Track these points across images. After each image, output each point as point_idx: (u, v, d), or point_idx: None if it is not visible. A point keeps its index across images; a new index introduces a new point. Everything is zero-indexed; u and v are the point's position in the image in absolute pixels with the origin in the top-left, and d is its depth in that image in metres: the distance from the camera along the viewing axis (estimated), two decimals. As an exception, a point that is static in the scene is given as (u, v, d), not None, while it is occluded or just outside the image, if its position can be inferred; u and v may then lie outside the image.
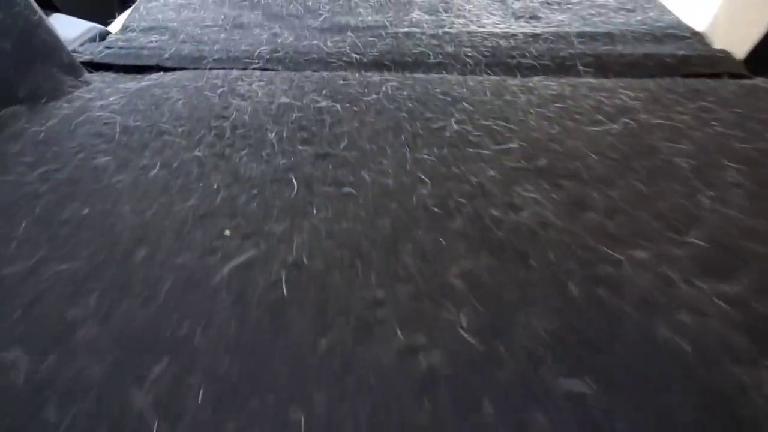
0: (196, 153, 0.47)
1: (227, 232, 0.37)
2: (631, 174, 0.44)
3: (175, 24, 0.82)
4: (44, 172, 0.45)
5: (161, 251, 0.36)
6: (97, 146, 0.49)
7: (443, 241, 0.36)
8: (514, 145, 0.49)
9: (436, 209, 0.40)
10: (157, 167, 0.45)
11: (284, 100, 0.58)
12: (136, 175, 0.44)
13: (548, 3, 0.91)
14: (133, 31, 0.81)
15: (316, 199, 0.41)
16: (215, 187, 0.42)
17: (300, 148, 0.48)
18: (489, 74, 0.70)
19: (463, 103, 0.58)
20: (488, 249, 0.36)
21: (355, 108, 0.56)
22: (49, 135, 0.51)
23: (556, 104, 0.58)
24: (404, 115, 0.55)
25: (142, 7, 0.88)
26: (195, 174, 0.44)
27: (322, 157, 0.47)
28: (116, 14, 0.99)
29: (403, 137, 0.50)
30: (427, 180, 0.43)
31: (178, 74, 0.68)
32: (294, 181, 0.43)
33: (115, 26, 0.89)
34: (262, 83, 0.64)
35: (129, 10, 0.91)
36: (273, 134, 0.50)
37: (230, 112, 0.55)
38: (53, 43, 0.64)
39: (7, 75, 0.57)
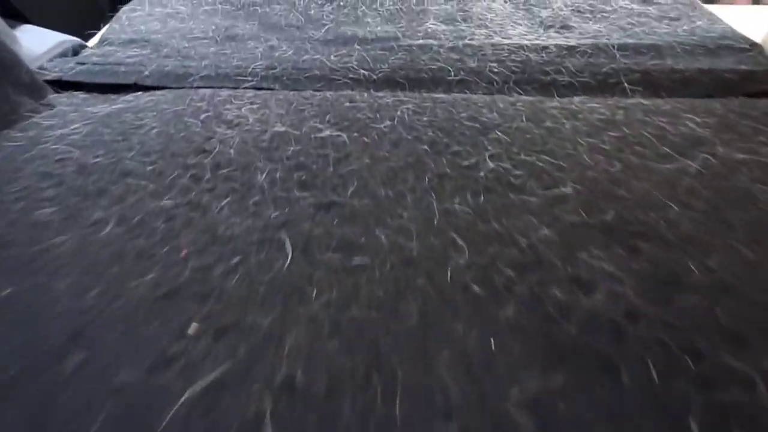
0: (165, 202, 0.37)
1: (192, 329, 0.27)
2: (729, 232, 0.34)
3: (160, 36, 0.72)
4: None
5: (99, 359, 0.26)
6: (42, 192, 0.39)
7: (493, 343, 0.26)
8: (567, 190, 0.38)
9: (477, 288, 0.30)
10: (113, 223, 0.35)
11: (279, 128, 0.48)
12: (84, 234, 0.34)
13: (579, 11, 0.81)
14: (111, 44, 0.71)
15: (317, 273, 0.31)
16: (185, 252, 0.32)
17: (297, 194, 0.38)
18: (520, 93, 0.59)
19: (496, 131, 0.48)
20: (558, 356, 0.25)
21: (365, 138, 0.46)
22: None
23: (609, 132, 0.47)
24: (425, 147, 0.45)
25: (123, 17, 0.79)
26: (160, 233, 0.34)
27: (325, 207, 0.37)
28: (102, 25, 0.90)
29: (426, 179, 0.40)
30: (462, 243, 0.33)
31: (158, 95, 0.59)
32: (287, 244, 0.33)
33: (96, 40, 0.80)
34: (254, 106, 0.54)
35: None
36: (263, 175, 0.40)
37: (213, 145, 0.45)
38: (10, 58, 0.54)
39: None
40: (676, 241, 0.33)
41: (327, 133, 0.47)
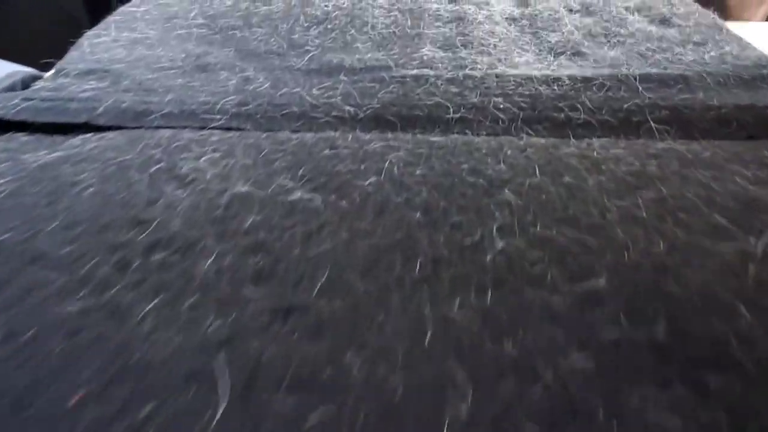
0: (71, 306, 0.28)
1: None
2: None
3: (122, 66, 0.64)
4: None
5: None
6: None
7: None
8: (600, 282, 0.30)
9: None
10: None
11: (241, 188, 0.39)
12: None
13: (592, 35, 0.73)
14: (66, 75, 0.63)
15: None
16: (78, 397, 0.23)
17: (248, 292, 0.29)
18: (530, 134, 0.51)
19: (505, 190, 0.39)
20: None
21: (343, 202, 0.38)
22: None
23: (643, 193, 0.39)
24: (418, 216, 0.36)
25: (85, 44, 0.71)
26: (55, 357, 0.25)
27: (284, 314, 0.28)
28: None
29: (418, 266, 0.31)
30: (463, 377, 0.24)
31: (108, 138, 0.50)
32: (226, 378, 0.24)
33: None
34: (216, 155, 0.45)
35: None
36: (209, 261, 0.31)
37: (154, 214, 0.36)
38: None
39: None
40: (755, 371, 0.24)
41: (298, 195, 0.39)
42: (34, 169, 0.44)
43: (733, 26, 0.77)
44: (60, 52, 0.77)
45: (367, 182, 0.40)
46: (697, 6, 0.83)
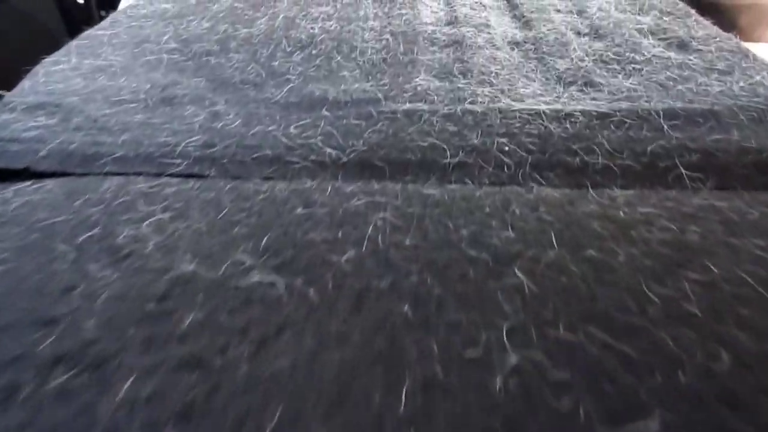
0: None
1: None
2: None
3: (76, 99, 0.57)
4: None
5: None
6: None
7: None
8: (653, 427, 0.22)
9: None
10: None
11: (186, 267, 0.32)
12: None
13: (604, 61, 0.66)
14: (13, 110, 0.56)
15: None
16: None
17: None
18: (541, 183, 0.43)
19: (516, 270, 0.31)
20: None
21: (311, 290, 0.30)
22: None
23: (687, 272, 0.31)
24: (407, 311, 0.28)
25: (41, 73, 0.63)
26: None
27: None
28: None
29: (404, 397, 0.23)
30: None
31: (46, 189, 0.43)
32: None
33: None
34: (166, 216, 0.38)
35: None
36: (124, 387, 0.23)
37: (67, 309, 0.28)
38: None
39: None
40: None
41: (256, 277, 0.31)
42: None
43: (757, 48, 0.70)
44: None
45: (345, 258, 0.32)
46: (716, 29, 0.76)
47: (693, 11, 0.83)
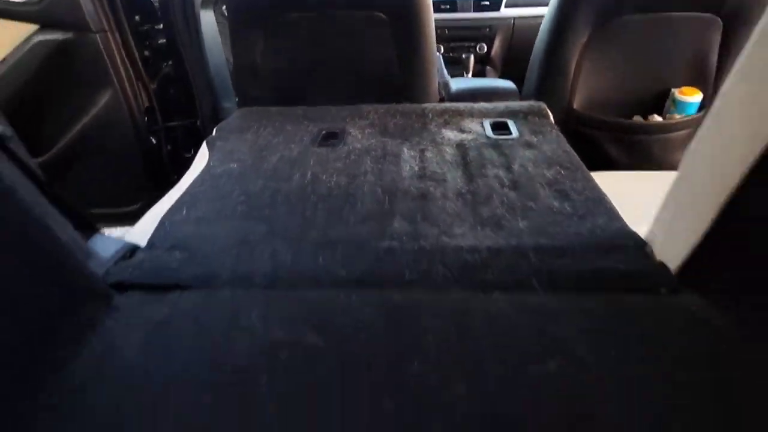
0: None
1: None
2: None
3: (195, 241, 0.97)
4: None
5: None
6: None
7: None
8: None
9: None
10: None
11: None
12: None
13: (512, 208, 1.06)
14: (157, 248, 0.96)
15: None
16: None
17: None
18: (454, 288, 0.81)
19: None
20: None
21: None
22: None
23: (511, 338, 0.67)
24: None
25: (166, 223, 1.05)
26: None
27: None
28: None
29: None
30: None
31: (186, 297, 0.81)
32: None
33: (135, 232, 1.04)
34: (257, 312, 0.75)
35: (153, 217, 1.08)
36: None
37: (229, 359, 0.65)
38: (86, 275, 0.78)
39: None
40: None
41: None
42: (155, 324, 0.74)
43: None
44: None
45: (348, 319, 0.69)
46: (594, 182, 1.17)
47: (581, 165, 1.24)
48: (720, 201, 0.66)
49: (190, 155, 2.16)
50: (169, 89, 2.05)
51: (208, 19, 2.01)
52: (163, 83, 2.03)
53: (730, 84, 0.66)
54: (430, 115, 1.59)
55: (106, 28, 1.75)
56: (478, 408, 0.57)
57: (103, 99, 1.90)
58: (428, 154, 1.33)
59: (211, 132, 1.56)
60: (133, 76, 1.89)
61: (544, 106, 1.60)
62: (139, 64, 1.89)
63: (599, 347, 0.64)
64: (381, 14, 1.75)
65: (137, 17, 1.89)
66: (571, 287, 0.80)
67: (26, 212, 0.68)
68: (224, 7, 2.15)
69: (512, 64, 2.74)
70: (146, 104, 1.98)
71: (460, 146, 1.37)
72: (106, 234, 1.00)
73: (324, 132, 1.50)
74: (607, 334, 0.67)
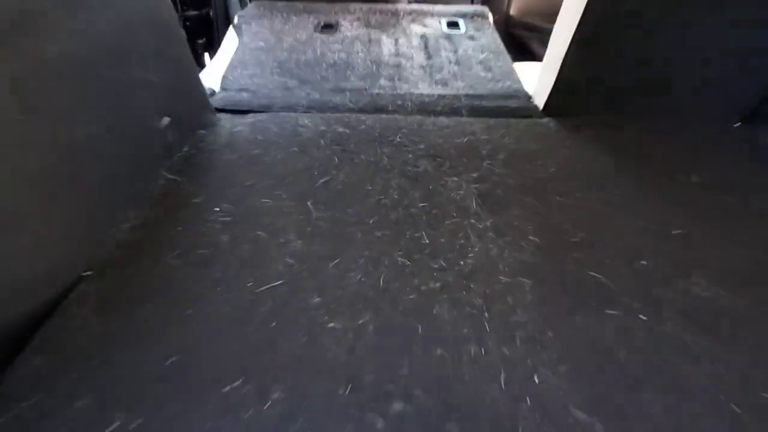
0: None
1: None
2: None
3: (253, 87, 1.52)
4: None
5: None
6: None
7: None
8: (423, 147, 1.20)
9: None
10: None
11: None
12: None
13: (455, 75, 1.66)
14: (228, 90, 1.50)
15: None
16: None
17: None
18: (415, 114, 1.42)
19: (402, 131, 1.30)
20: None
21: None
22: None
23: (445, 131, 1.30)
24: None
25: (229, 77, 1.58)
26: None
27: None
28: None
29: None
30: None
31: (264, 115, 1.37)
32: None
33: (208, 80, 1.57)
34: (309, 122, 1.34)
35: (218, 69, 1.60)
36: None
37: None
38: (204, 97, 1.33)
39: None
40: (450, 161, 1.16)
41: (341, 129, 1.28)
42: (248, 123, 1.31)
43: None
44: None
45: (361, 128, 1.30)
46: (510, 61, 1.77)
47: (504, 51, 1.84)
48: (557, 67, 1.28)
49: (202, 41, 2.56)
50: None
51: None
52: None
53: None
54: (402, 14, 2.10)
55: None
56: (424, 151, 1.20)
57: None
58: (401, 41, 1.87)
59: (224, 21, 2.01)
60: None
61: (487, 10, 2.14)
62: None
63: (499, 142, 1.28)
64: None
65: None
66: (484, 115, 1.43)
67: (186, 48, 1.21)
68: None
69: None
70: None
71: (423, 37, 1.91)
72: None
73: (322, 23, 1.99)
74: (502, 137, 1.31)
